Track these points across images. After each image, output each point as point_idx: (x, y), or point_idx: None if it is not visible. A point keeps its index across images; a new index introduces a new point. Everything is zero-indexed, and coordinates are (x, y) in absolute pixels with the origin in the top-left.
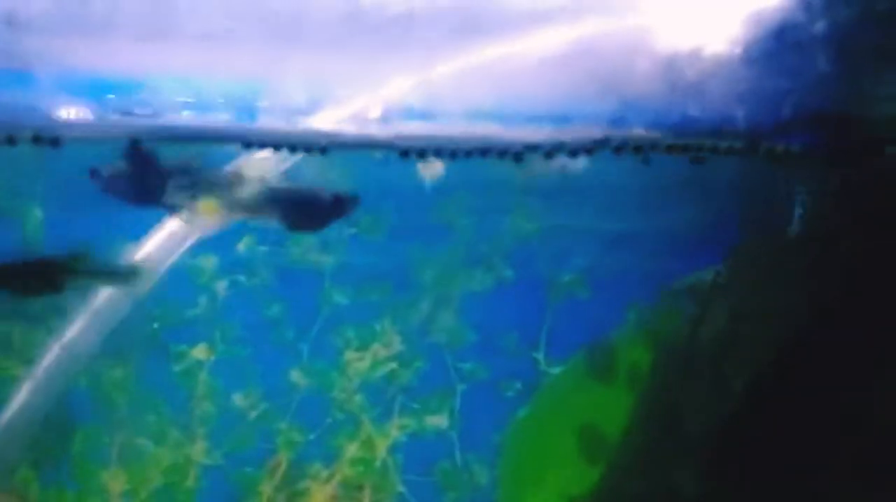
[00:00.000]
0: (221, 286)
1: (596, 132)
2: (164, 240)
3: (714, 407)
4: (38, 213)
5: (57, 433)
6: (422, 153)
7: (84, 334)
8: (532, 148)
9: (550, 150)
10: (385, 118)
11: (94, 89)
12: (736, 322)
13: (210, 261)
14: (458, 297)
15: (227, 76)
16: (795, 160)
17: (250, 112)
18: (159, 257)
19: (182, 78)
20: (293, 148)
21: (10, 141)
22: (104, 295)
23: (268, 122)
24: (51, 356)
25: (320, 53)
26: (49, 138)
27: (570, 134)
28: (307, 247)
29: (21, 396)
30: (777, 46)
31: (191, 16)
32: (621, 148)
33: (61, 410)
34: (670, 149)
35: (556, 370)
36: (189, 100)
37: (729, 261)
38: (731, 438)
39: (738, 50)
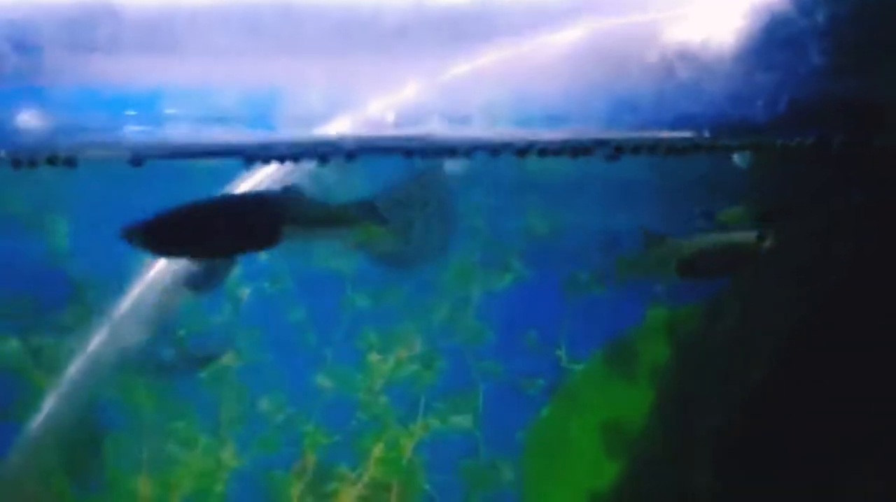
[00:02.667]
0: (245, 293)
1: (607, 131)
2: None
3: (730, 402)
4: (63, 227)
5: (88, 441)
6: (438, 155)
7: (109, 344)
8: (545, 148)
9: (563, 149)
10: (400, 122)
11: (108, 105)
12: (751, 316)
13: (233, 269)
14: (477, 298)
15: (242, 87)
16: (802, 154)
17: (266, 122)
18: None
19: (196, 91)
20: (311, 156)
21: (28, 163)
22: (126, 305)
23: (284, 133)
24: (77, 366)
25: (333, 60)
26: (64, 158)
27: (581, 133)
28: (328, 253)
29: (50, 406)
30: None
31: (202, 27)
32: (634, 147)
33: (92, 419)
34: (681, 146)
35: (577, 367)
36: (203, 112)
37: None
38: (748, 433)
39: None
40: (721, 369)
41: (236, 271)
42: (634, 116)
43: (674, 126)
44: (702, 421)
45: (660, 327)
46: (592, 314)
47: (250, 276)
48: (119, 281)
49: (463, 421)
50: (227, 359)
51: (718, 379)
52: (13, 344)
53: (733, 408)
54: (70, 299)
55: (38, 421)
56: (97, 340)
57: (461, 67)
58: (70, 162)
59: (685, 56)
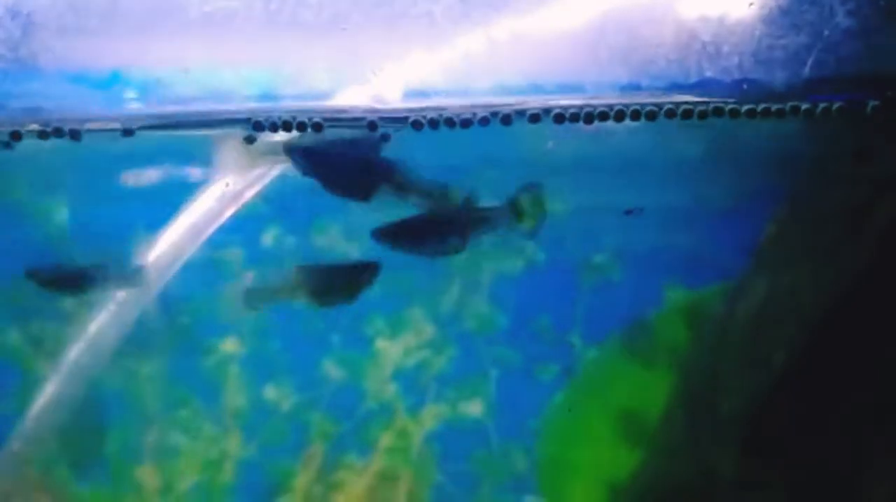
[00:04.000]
0: (250, 278)
1: (619, 100)
2: (186, 231)
3: (752, 386)
4: (62, 209)
5: (91, 432)
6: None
7: (108, 329)
8: (560, 116)
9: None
10: (407, 95)
11: (106, 82)
12: (774, 296)
13: (236, 254)
14: (488, 282)
15: (244, 62)
16: (825, 121)
17: (270, 96)
18: (181, 249)
19: (196, 65)
20: (318, 127)
21: (37, 135)
22: (127, 289)
23: (289, 105)
24: (76, 351)
25: (341, 33)
26: (68, 131)
27: (595, 103)
28: (333, 237)
29: (49, 393)
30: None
31: (199, 1)
32: (648, 114)
33: (94, 409)
34: (701, 114)
35: (592, 353)
36: (204, 87)
37: (766, 233)
38: (771, 416)
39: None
40: (744, 352)
41: (240, 255)
42: (653, 82)
43: (695, 91)
44: (724, 406)
45: (679, 309)
46: (608, 297)
47: (253, 261)
48: (119, 265)
49: (474, 408)
50: (231, 346)
51: (742, 362)
52: (12, 331)
53: (757, 393)
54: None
55: (37, 408)
56: (98, 325)
57: (471, 39)
58: (74, 135)
59: (706, 18)
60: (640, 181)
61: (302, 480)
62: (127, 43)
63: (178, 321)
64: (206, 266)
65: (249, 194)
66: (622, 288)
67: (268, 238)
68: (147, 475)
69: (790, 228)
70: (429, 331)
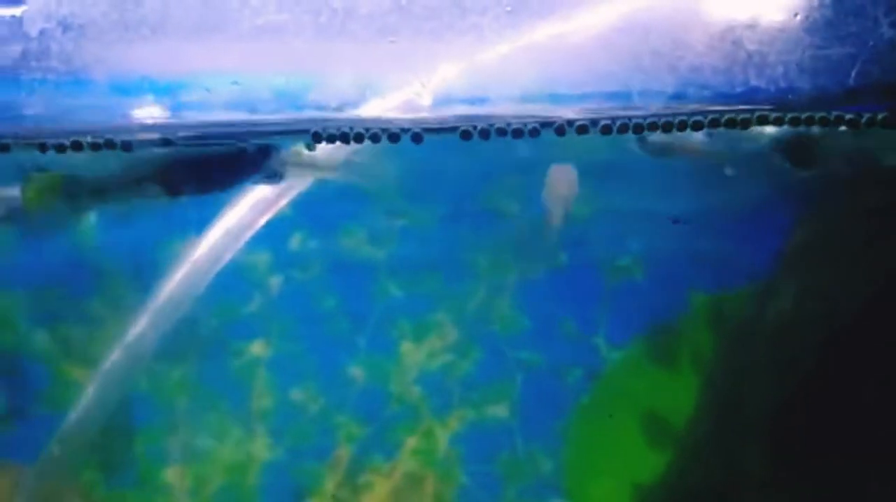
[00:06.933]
0: (275, 281)
1: (651, 108)
2: (220, 236)
3: (782, 389)
4: (91, 215)
5: (119, 435)
6: (470, 136)
7: (145, 334)
8: (584, 127)
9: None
10: (435, 104)
11: (158, 93)
12: (803, 299)
13: (263, 257)
14: (512, 285)
15: (279, 71)
16: (861, 129)
17: (303, 105)
18: (217, 254)
19: (236, 75)
20: (375, 138)
21: (82, 146)
22: (165, 294)
23: (322, 114)
24: (113, 357)
25: (390, 46)
26: (120, 142)
27: (625, 111)
28: (359, 240)
29: (85, 399)
30: (838, 11)
31: (243, 11)
32: (695, 125)
33: (123, 412)
34: (745, 123)
35: (617, 355)
36: (245, 96)
37: (795, 235)
38: (800, 420)
39: (798, 16)
40: (774, 354)
41: (266, 259)
42: (699, 92)
43: (741, 101)
44: (753, 408)
45: (704, 312)
46: (633, 300)
47: (280, 264)
48: (148, 270)
49: (499, 411)
50: (258, 348)
51: (771, 365)
52: (42, 334)
53: (786, 395)
54: (99, 289)
55: (73, 413)
56: (133, 331)
57: (495, 48)
58: (127, 146)
59: (752, 26)
60: (666, 184)
61: (328, 482)
62: (179, 55)
63: (207, 324)
64: (233, 270)
65: (283, 201)
66: (647, 290)
67: (294, 242)
68: (175, 477)
69: (820, 230)
70: (453, 334)
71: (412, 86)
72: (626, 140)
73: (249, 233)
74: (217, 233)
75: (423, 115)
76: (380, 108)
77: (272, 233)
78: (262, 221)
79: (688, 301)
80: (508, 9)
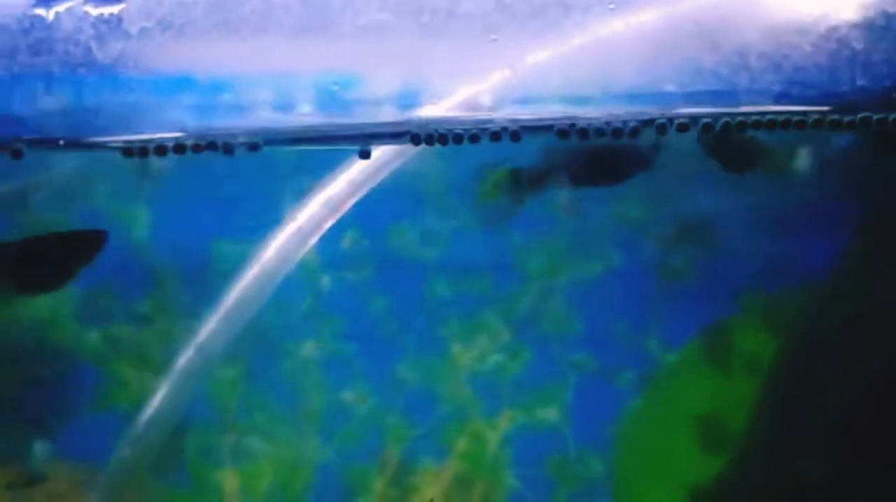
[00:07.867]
0: (326, 282)
1: (699, 110)
2: (285, 240)
3: (844, 394)
4: (145, 218)
5: (171, 435)
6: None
7: (215, 335)
8: (636, 128)
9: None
10: (557, 104)
11: (257, 94)
12: (867, 301)
13: (314, 258)
14: (564, 286)
15: (396, 74)
16: None
17: (422, 107)
18: (282, 257)
19: (342, 73)
20: (474, 138)
21: (191, 149)
22: (234, 294)
23: (441, 116)
24: (183, 358)
25: (492, 44)
26: (222, 145)
27: (673, 113)
28: (409, 240)
29: (158, 398)
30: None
31: (347, 11)
32: (797, 124)
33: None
34: (782, 124)
35: (670, 358)
36: (358, 99)
37: (857, 239)
38: (862, 426)
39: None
40: (837, 356)
41: (315, 260)
42: (804, 91)
43: (846, 100)
44: (816, 413)
45: (759, 313)
46: (686, 302)
47: (331, 265)
48: (200, 272)
49: (550, 414)
50: (309, 349)
51: (830, 368)
52: (93, 334)
53: (846, 400)
54: (150, 290)
55: (147, 414)
56: (203, 334)
57: (623, 48)
58: (254, 147)
59: (857, 25)
60: (721, 184)
61: (377, 483)
62: (280, 56)
63: (259, 325)
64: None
65: (349, 203)
66: (700, 292)
67: (346, 241)
68: (226, 478)
69: (883, 231)
70: (504, 335)
71: (510, 83)
72: (686, 139)
73: (317, 236)
74: (284, 235)
75: (520, 113)
76: (475, 105)
77: (324, 234)
78: (328, 225)
79: (742, 302)
80: (612, 6)
